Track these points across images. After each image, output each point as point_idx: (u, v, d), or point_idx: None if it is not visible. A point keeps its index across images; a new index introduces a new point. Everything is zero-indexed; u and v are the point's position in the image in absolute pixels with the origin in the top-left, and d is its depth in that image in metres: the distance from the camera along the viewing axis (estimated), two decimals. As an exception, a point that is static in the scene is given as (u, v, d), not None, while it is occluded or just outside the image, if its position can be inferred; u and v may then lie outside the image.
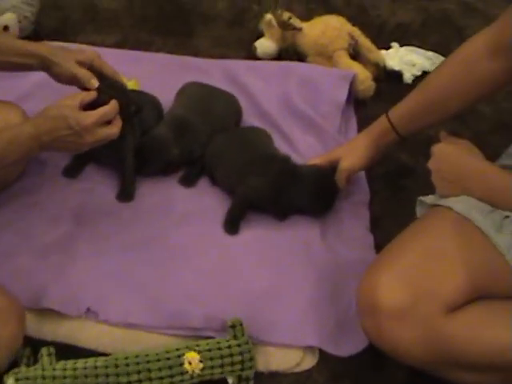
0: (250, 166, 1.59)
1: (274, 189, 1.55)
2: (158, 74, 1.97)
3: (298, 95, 1.90)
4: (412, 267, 1.19)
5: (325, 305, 1.44)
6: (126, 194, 1.63)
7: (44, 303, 1.39)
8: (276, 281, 1.48)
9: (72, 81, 1.49)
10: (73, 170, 1.68)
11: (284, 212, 1.60)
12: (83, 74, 1.47)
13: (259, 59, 2.10)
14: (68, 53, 1.51)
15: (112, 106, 1.43)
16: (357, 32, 2.08)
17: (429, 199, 1.34)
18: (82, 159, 1.67)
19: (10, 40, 1.53)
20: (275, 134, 1.80)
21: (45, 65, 1.49)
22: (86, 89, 1.47)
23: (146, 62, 2.03)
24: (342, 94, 1.90)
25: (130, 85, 1.81)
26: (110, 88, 1.48)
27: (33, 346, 1.32)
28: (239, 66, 2.01)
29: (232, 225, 1.57)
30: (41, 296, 1.40)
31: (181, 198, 1.64)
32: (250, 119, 1.85)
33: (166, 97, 1.83)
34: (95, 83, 1.47)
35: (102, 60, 1.54)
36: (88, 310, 1.41)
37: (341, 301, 1.45)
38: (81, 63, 1.49)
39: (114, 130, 1.44)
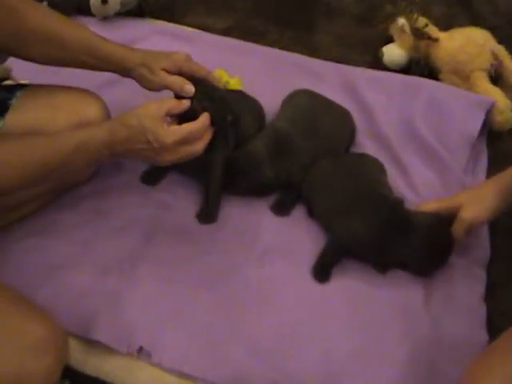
0: (354, 205, 1.35)
1: (377, 237, 1.31)
2: (265, 73, 1.75)
3: (423, 119, 1.63)
4: None
5: (415, 384, 1.20)
6: (207, 214, 1.42)
7: (92, 334, 1.23)
8: (362, 347, 1.25)
9: (164, 89, 1.33)
10: (152, 177, 1.48)
11: (385, 264, 1.35)
12: (173, 81, 1.30)
13: (385, 67, 1.84)
14: (154, 59, 1.33)
15: (201, 123, 1.23)
16: (502, 51, 1.78)
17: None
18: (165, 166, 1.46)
19: (95, 40, 1.34)
20: (390, 161, 1.56)
21: (130, 75, 1.35)
22: (178, 96, 1.28)
23: (254, 57, 1.80)
24: (476, 125, 1.62)
25: (232, 83, 1.62)
26: (204, 95, 1.27)
27: (72, 379, 1.18)
28: (360, 75, 1.75)
29: (322, 271, 1.34)
30: (90, 324, 1.24)
31: (269, 227, 1.42)
32: (363, 140, 1.61)
33: (272, 102, 1.61)
34: (190, 90, 1.27)
35: (192, 62, 1.35)
36: (140, 348, 1.22)
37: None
38: (167, 70, 1.31)
39: (199, 147, 1.24)
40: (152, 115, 1.20)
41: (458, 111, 1.64)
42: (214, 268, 1.34)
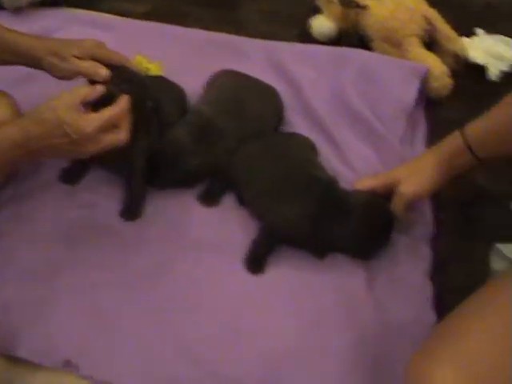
0: (284, 188, 1.28)
1: (311, 221, 1.23)
2: (188, 55, 1.65)
3: (355, 91, 1.55)
4: (479, 360, 0.90)
5: (362, 377, 1.13)
6: (131, 211, 1.33)
7: (15, 350, 1.14)
8: (303, 341, 1.17)
9: (77, 76, 1.24)
10: (72, 175, 1.38)
11: (323, 250, 1.28)
12: (86, 67, 1.22)
13: (315, 40, 1.76)
14: (64, 47, 1.24)
15: (121, 105, 1.15)
16: (434, 15, 1.70)
17: (509, 250, 1.09)
18: (85, 162, 1.37)
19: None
20: (323, 138, 1.48)
21: (40, 66, 1.26)
22: (93, 82, 1.20)
23: (175, 39, 1.70)
24: (411, 94, 1.55)
25: (152, 69, 1.53)
26: (121, 79, 1.20)
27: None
28: (287, 50, 1.66)
29: (255, 262, 1.26)
30: (12, 340, 1.15)
31: (199, 220, 1.33)
32: (293, 117, 1.52)
33: (196, 85, 1.52)
34: (104, 73, 1.19)
35: (106, 48, 1.26)
36: (67, 361, 1.13)
37: (383, 373, 1.14)
38: (80, 58, 1.23)
39: (122, 135, 1.16)
40: (67, 105, 1.11)
41: (392, 80, 1.56)
42: (141, 269, 1.25)
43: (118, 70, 1.22)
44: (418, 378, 0.91)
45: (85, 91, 1.15)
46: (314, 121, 1.51)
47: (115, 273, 1.24)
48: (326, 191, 1.26)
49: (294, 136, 1.43)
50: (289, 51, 1.65)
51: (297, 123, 1.51)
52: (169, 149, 1.33)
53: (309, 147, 1.39)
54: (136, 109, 1.18)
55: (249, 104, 1.42)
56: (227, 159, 1.36)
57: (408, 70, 1.59)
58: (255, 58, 1.64)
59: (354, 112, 1.52)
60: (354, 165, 1.44)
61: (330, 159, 1.43)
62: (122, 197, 1.35)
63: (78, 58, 1.23)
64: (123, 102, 1.16)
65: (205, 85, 1.51)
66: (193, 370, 1.13)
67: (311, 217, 1.23)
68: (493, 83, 1.70)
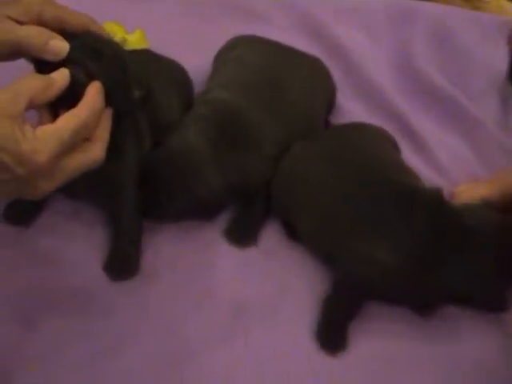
0: (368, 214, 0.80)
1: (419, 264, 0.77)
2: (180, 21, 1.16)
3: (428, 60, 1.12)
4: None
5: None
6: (121, 263, 0.84)
7: None
8: None
9: (15, 52, 0.74)
10: (22, 211, 0.88)
11: (431, 302, 0.82)
12: (31, 35, 0.72)
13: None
14: None
15: (91, 102, 0.69)
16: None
17: None
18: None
19: None
20: (392, 128, 1.02)
21: None
22: (41, 63, 0.72)
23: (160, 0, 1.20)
24: (502, 59, 1.12)
25: (131, 41, 1.06)
26: (86, 54, 0.72)
27: None
28: (325, 7, 1.19)
29: (333, 334, 0.80)
30: None
31: (229, 268, 0.86)
32: (347, 101, 1.07)
33: (197, 63, 1.03)
34: (62, 48, 0.72)
35: (58, 6, 0.77)
36: None
37: None
38: (18, 21, 0.73)
39: (97, 152, 0.71)
40: (4, 117, 0.63)
41: (476, 42, 1.16)
42: (147, 361, 0.77)
43: (81, 39, 0.74)
44: None
45: (34, 86, 0.67)
46: (376, 104, 1.07)
47: (105, 368, 0.76)
48: (436, 212, 0.79)
49: (363, 128, 0.95)
50: (328, 8, 1.19)
51: (353, 110, 1.06)
52: (176, 163, 0.85)
53: (389, 142, 0.93)
54: (115, 99, 0.74)
55: (289, 86, 0.94)
56: (266, 173, 0.88)
57: (494, 26, 1.20)
58: (279, 20, 1.17)
59: (432, 88, 1.10)
60: (442, 162, 1.02)
61: (407, 157, 0.98)
62: (101, 239, 0.87)
63: (17, 21, 0.74)
64: (94, 95, 0.70)
65: (215, 59, 1.04)
66: None
67: (420, 255, 0.76)
68: None
